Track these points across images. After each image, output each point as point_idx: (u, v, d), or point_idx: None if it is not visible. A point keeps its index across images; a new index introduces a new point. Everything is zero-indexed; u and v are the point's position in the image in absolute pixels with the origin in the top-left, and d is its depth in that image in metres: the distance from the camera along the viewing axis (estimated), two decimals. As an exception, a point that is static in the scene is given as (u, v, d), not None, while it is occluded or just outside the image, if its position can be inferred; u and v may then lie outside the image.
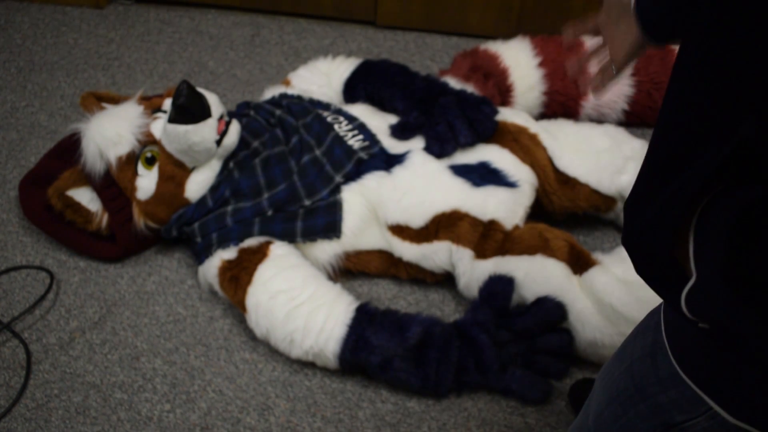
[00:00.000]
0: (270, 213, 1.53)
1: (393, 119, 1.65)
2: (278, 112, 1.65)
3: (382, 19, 2.23)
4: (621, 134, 1.62)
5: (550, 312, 1.35)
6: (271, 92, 1.80)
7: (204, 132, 1.49)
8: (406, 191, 1.50)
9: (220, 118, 1.54)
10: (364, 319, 1.36)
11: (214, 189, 1.56)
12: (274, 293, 1.39)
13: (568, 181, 1.57)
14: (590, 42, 0.93)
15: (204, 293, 1.56)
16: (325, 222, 1.50)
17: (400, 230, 1.50)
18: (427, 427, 1.34)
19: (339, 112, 1.66)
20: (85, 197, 1.61)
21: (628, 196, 0.60)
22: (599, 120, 1.83)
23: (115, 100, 1.70)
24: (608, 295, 1.32)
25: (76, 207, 1.60)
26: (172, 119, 1.48)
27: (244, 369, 1.43)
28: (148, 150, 1.56)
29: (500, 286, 1.39)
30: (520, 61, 1.80)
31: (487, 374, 1.35)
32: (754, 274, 0.46)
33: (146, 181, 1.56)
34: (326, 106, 1.69)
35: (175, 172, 1.54)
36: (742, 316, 0.48)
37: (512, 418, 1.35)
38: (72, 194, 1.61)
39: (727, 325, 0.52)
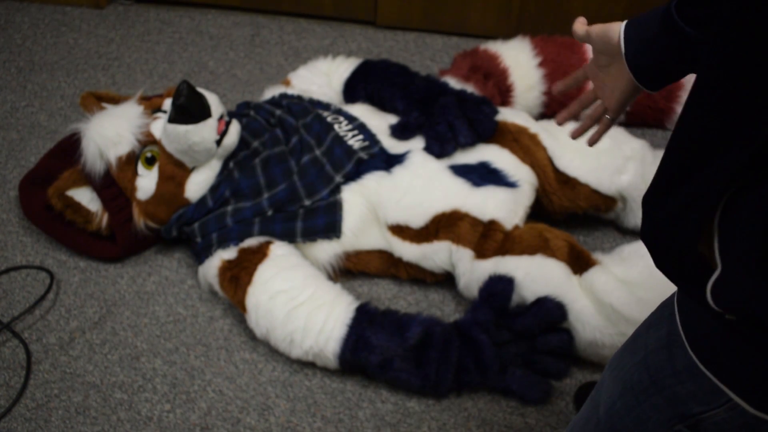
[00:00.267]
0: (270, 213, 1.53)
1: (393, 119, 1.65)
2: (278, 112, 1.65)
3: (382, 19, 2.23)
4: (621, 134, 1.62)
5: (550, 312, 1.35)
6: (271, 92, 1.80)
7: (204, 132, 1.49)
8: (406, 191, 1.50)
9: (220, 118, 1.54)
10: (364, 319, 1.36)
11: (214, 189, 1.56)
12: (274, 293, 1.39)
13: (568, 181, 1.57)
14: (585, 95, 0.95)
15: (204, 293, 1.56)
16: (325, 222, 1.50)
17: (400, 230, 1.50)
18: (427, 427, 1.34)
19: (339, 112, 1.66)
20: (85, 197, 1.61)
21: (648, 190, 0.60)
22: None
23: (115, 100, 1.70)
24: (608, 295, 1.32)
25: (76, 207, 1.59)
26: (172, 119, 1.48)
27: (244, 369, 1.43)
28: (148, 150, 1.56)
29: (500, 286, 1.39)
30: (520, 61, 1.80)
31: (487, 374, 1.35)
32: None
33: (146, 181, 1.56)
34: (326, 106, 1.69)
35: (175, 172, 1.54)
36: None
37: (512, 418, 1.35)
38: (72, 194, 1.61)
39: (757, 316, 0.52)
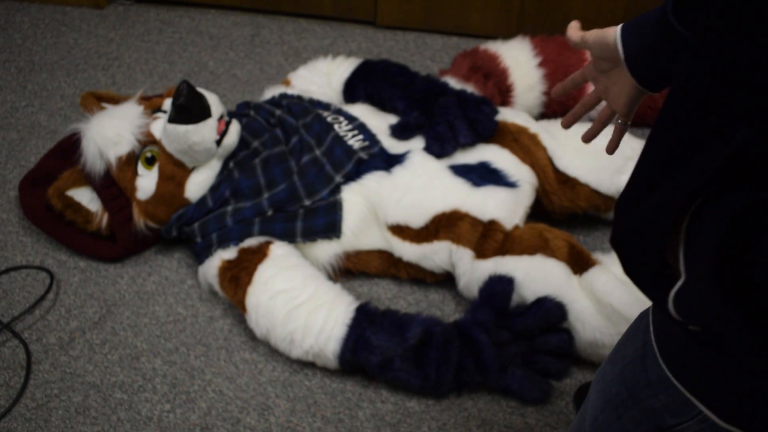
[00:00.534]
0: (270, 213, 1.53)
1: (393, 119, 1.65)
2: (278, 112, 1.65)
3: (382, 19, 2.23)
4: (621, 134, 1.62)
5: (550, 312, 1.35)
6: (271, 92, 1.80)
7: (204, 132, 1.49)
8: (406, 191, 1.50)
9: (220, 118, 1.54)
10: (364, 319, 1.36)
11: (214, 189, 1.56)
12: (274, 293, 1.39)
13: (568, 181, 1.57)
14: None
15: (204, 293, 1.56)
16: (325, 222, 1.50)
17: (400, 230, 1.50)
18: (427, 427, 1.34)
19: (339, 112, 1.66)
20: (85, 197, 1.61)
21: (620, 196, 0.60)
22: (599, 120, 1.82)
23: (115, 100, 1.70)
24: (608, 295, 1.32)
25: (76, 207, 1.60)
26: (172, 119, 1.48)
27: (244, 369, 1.43)
28: (148, 150, 1.56)
29: (500, 286, 1.39)
30: (520, 61, 1.80)
31: (487, 374, 1.35)
32: (743, 279, 0.46)
33: (146, 181, 1.56)
34: (326, 106, 1.69)
35: (175, 172, 1.54)
36: (730, 320, 0.48)
37: (512, 418, 1.35)
38: (72, 194, 1.61)
39: (715, 328, 0.51)
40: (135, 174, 1.56)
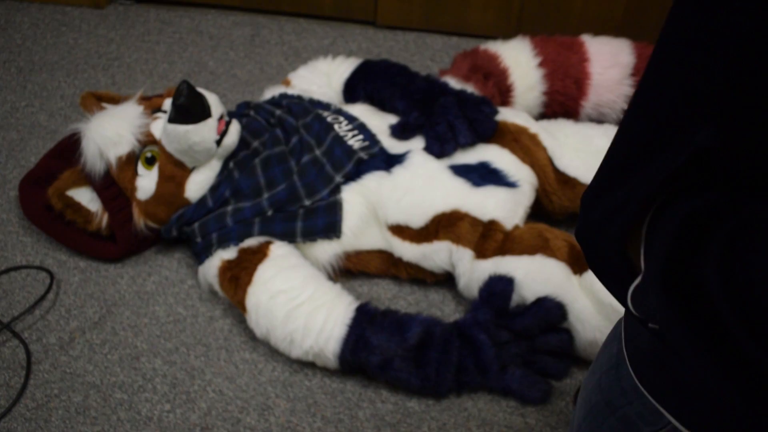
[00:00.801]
0: (270, 213, 1.53)
1: (393, 119, 1.65)
2: (278, 112, 1.65)
3: (382, 19, 2.23)
4: (621, 134, 1.62)
5: (550, 312, 1.35)
6: (271, 92, 1.80)
7: (204, 132, 1.49)
8: (406, 191, 1.50)
9: (220, 118, 1.54)
10: (364, 319, 1.36)
11: (214, 189, 1.56)
12: (274, 293, 1.39)
13: (568, 181, 1.57)
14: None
15: (204, 293, 1.56)
16: (325, 222, 1.50)
17: (400, 230, 1.50)
18: (427, 427, 1.34)
19: (339, 112, 1.66)
20: (85, 197, 1.61)
21: (586, 190, 0.60)
22: (599, 120, 1.83)
23: (115, 100, 1.70)
24: (608, 295, 1.32)
25: (76, 207, 1.60)
26: (172, 119, 1.48)
27: (244, 369, 1.43)
28: (148, 150, 1.56)
29: (500, 286, 1.39)
30: (520, 61, 1.80)
31: (487, 374, 1.35)
32: (688, 283, 0.46)
33: (146, 181, 1.56)
34: (326, 106, 1.69)
35: (175, 172, 1.54)
36: (674, 322, 0.48)
37: (512, 418, 1.35)
38: (72, 194, 1.61)
39: (663, 330, 0.51)
40: (135, 174, 1.56)
